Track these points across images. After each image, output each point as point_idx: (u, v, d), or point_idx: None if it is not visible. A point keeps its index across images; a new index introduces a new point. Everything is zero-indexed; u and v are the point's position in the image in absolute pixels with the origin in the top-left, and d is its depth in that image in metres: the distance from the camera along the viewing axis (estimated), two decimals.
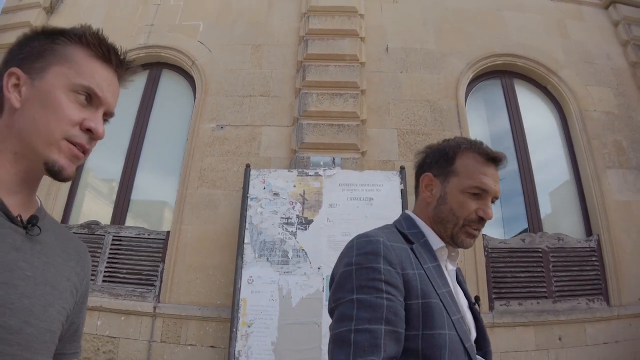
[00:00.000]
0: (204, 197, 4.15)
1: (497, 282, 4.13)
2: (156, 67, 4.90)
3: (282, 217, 3.85)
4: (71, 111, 0.79)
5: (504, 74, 4.98)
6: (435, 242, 1.22)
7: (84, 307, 0.95)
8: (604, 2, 5.62)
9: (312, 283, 3.65)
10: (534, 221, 4.45)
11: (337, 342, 0.99)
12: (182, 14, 5.04)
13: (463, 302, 1.24)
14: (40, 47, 0.82)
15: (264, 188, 3.95)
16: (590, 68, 5.07)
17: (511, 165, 4.65)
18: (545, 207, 4.62)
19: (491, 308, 4.01)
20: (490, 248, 4.21)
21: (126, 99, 4.39)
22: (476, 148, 1.28)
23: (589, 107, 4.82)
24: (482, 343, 1.22)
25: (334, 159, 4.12)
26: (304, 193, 3.93)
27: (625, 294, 4.22)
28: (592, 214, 4.52)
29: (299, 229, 3.82)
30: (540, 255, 4.25)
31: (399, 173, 3.97)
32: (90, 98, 0.82)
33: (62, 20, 5.18)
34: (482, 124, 4.90)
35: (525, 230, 4.45)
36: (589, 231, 4.51)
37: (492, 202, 1.24)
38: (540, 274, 4.20)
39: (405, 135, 4.38)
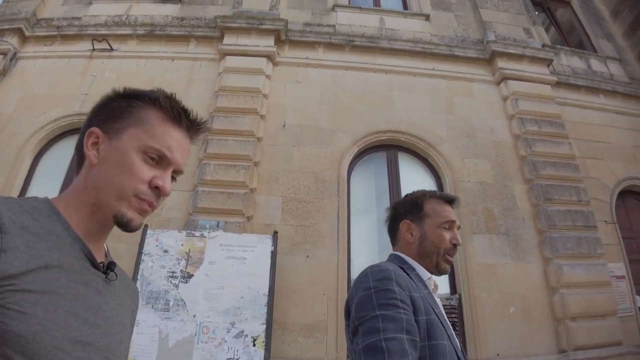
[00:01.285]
0: (111, 250, 5.11)
1: None
2: None
3: (168, 271, 4.77)
4: (142, 171, 0.90)
5: (390, 147, 5.89)
6: (424, 273, 1.54)
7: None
8: (496, 79, 6.51)
9: (187, 328, 4.53)
10: None
11: (370, 350, 1.17)
12: (113, 86, 6.12)
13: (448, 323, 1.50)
14: (118, 109, 0.95)
15: (157, 245, 4.90)
16: (471, 142, 5.92)
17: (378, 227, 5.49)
18: None
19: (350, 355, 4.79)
20: None
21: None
22: (436, 194, 1.68)
23: (464, 178, 5.65)
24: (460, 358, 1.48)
25: (218, 222, 5.06)
26: (189, 251, 4.87)
27: (483, 349, 4.91)
28: (456, 275, 5.28)
29: (181, 281, 4.73)
30: None
31: (272, 237, 4.88)
32: (160, 158, 0.93)
33: (14, 82, 6.25)
34: (368, 190, 5.78)
35: None
36: (453, 290, 5.26)
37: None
38: None
39: (289, 202, 5.30)
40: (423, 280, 1.51)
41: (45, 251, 0.79)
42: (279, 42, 6.36)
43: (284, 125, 5.74)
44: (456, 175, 5.67)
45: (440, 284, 5.28)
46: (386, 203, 5.59)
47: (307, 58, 6.30)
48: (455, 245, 1.56)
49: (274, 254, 4.80)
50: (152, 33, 6.53)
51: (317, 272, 4.97)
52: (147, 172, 0.91)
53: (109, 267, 0.94)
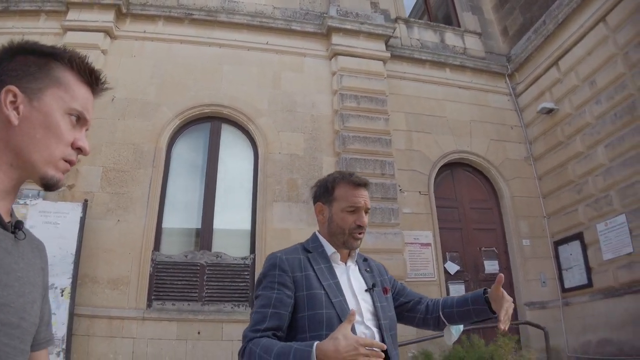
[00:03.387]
0: None
1: (158, 287, 5.92)
2: None
3: None
4: (67, 133, 0.96)
5: (215, 119, 6.64)
6: (329, 249, 1.83)
7: (47, 297, 1.11)
8: (329, 54, 7.09)
9: None
10: (205, 240, 6.20)
11: (250, 320, 1.61)
12: None
13: (357, 288, 1.79)
14: (34, 67, 0.95)
15: None
16: (290, 116, 6.65)
17: (198, 193, 6.40)
18: (221, 231, 6.35)
19: (149, 306, 5.81)
20: (158, 261, 6.00)
21: None
22: (347, 179, 1.87)
23: (275, 150, 6.44)
24: (378, 316, 1.74)
25: (39, 192, 5.96)
26: None
27: None
28: (256, 237, 6.21)
29: None
30: (198, 268, 6.02)
31: (82, 204, 5.80)
32: (78, 120, 0.99)
33: None
34: (192, 159, 6.61)
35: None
36: (252, 251, 6.21)
37: (366, 212, 1.84)
38: (195, 283, 5.98)
39: (108, 172, 6.15)
40: (328, 255, 1.82)
41: None
42: (120, 15, 6.90)
43: (112, 99, 6.46)
44: (269, 147, 6.45)
45: (242, 245, 6.30)
46: (204, 171, 6.46)
47: (144, 32, 6.88)
48: (360, 226, 1.81)
49: (82, 220, 5.73)
50: (8, 9, 6.99)
51: (126, 234, 5.91)
52: (70, 134, 0.96)
53: (17, 226, 0.94)
